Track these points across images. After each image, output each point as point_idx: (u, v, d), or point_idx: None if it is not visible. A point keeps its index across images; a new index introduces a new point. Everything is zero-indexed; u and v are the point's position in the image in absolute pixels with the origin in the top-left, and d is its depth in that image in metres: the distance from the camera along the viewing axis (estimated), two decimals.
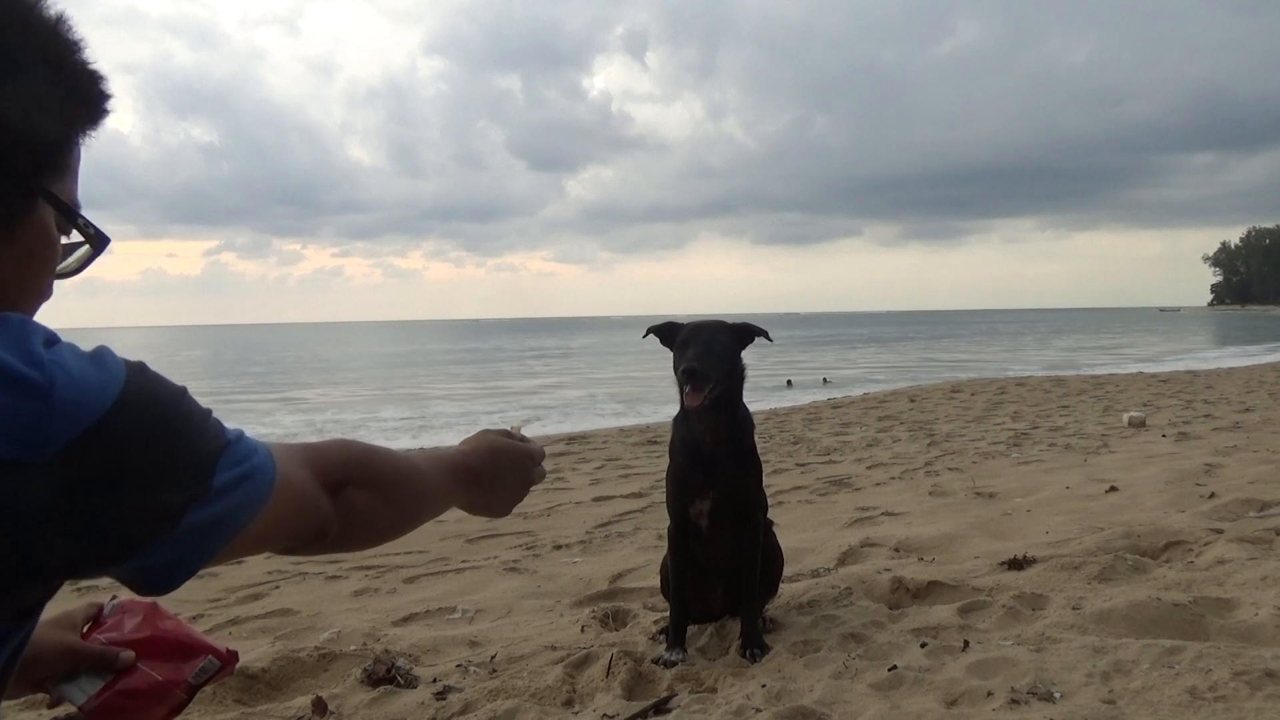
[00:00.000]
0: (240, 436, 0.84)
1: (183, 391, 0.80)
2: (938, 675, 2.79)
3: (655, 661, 3.12)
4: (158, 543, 0.75)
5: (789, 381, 23.51)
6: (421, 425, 16.63)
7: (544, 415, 17.69)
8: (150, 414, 0.75)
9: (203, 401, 0.82)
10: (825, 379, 24.55)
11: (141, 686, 1.15)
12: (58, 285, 0.88)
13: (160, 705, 1.17)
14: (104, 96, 0.85)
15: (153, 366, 0.79)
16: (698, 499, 3.25)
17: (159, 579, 0.79)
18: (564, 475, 9.17)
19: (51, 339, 0.74)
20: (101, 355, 0.75)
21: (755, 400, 18.72)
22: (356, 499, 0.98)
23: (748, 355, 3.32)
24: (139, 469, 0.73)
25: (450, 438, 14.31)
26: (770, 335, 3.37)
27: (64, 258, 0.88)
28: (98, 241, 0.89)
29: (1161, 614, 3.12)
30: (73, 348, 0.74)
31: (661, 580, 3.53)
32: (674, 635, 3.25)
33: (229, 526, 0.81)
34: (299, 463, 0.91)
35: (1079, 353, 37.27)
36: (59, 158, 0.82)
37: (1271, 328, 63.97)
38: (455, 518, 7.13)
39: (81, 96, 0.83)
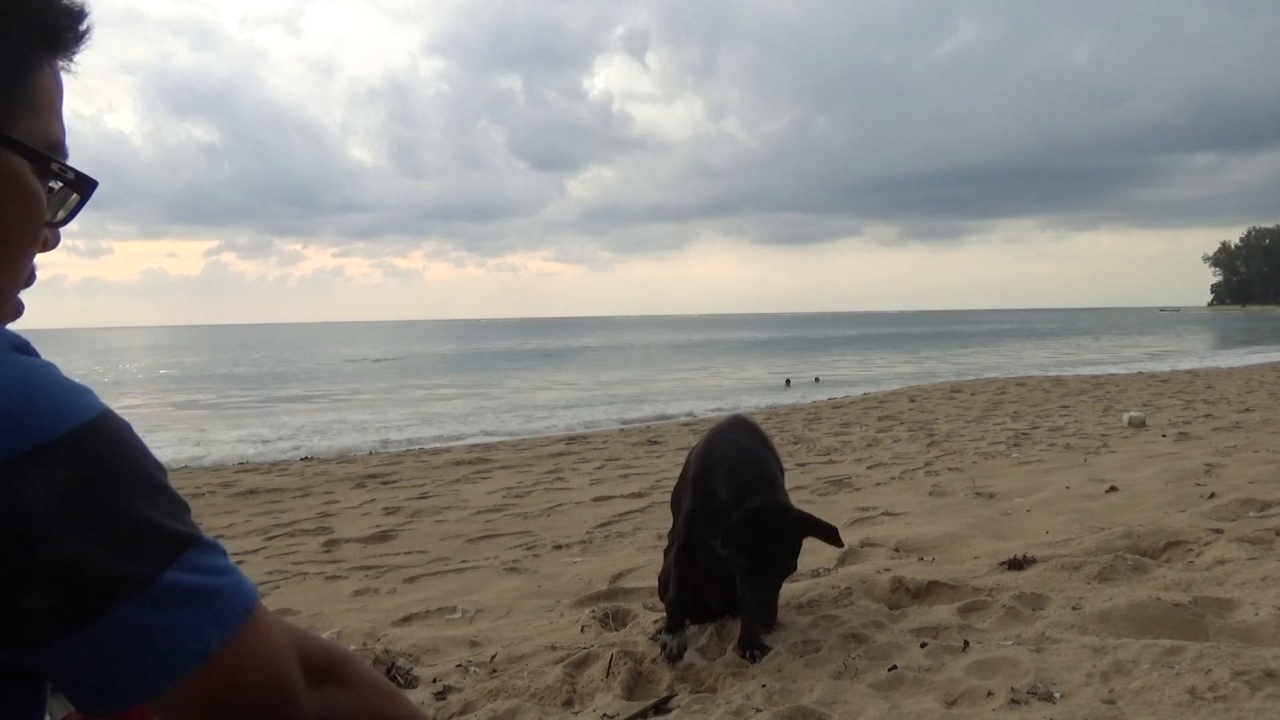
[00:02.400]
0: (219, 547, 0.70)
1: (163, 467, 0.69)
2: (938, 675, 2.79)
3: (653, 639, 3.13)
4: (81, 631, 0.62)
5: (788, 381, 23.88)
6: (423, 426, 16.61)
7: (544, 415, 17.68)
8: (112, 463, 0.64)
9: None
10: (817, 378, 24.93)
11: None
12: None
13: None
14: (68, 13, 0.73)
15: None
16: None
17: (79, 688, 0.65)
18: (564, 475, 9.17)
19: (21, 348, 0.65)
20: (77, 386, 0.66)
21: (756, 400, 18.75)
22: (340, 700, 0.80)
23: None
24: (77, 517, 0.61)
25: (454, 436, 14.30)
26: (841, 540, 3.07)
27: (57, 206, 0.78)
28: (81, 185, 0.78)
29: (1161, 614, 3.12)
30: (47, 368, 0.65)
31: (660, 585, 3.52)
32: (672, 620, 3.23)
33: (172, 653, 0.64)
34: (281, 627, 0.76)
35: (1079, 352, 37.28)
36: (11, 91, 0.71)
37: (1272, 328, 63.97)
38: (455, 517, 7.15)
39: (33, 16, 0.72)
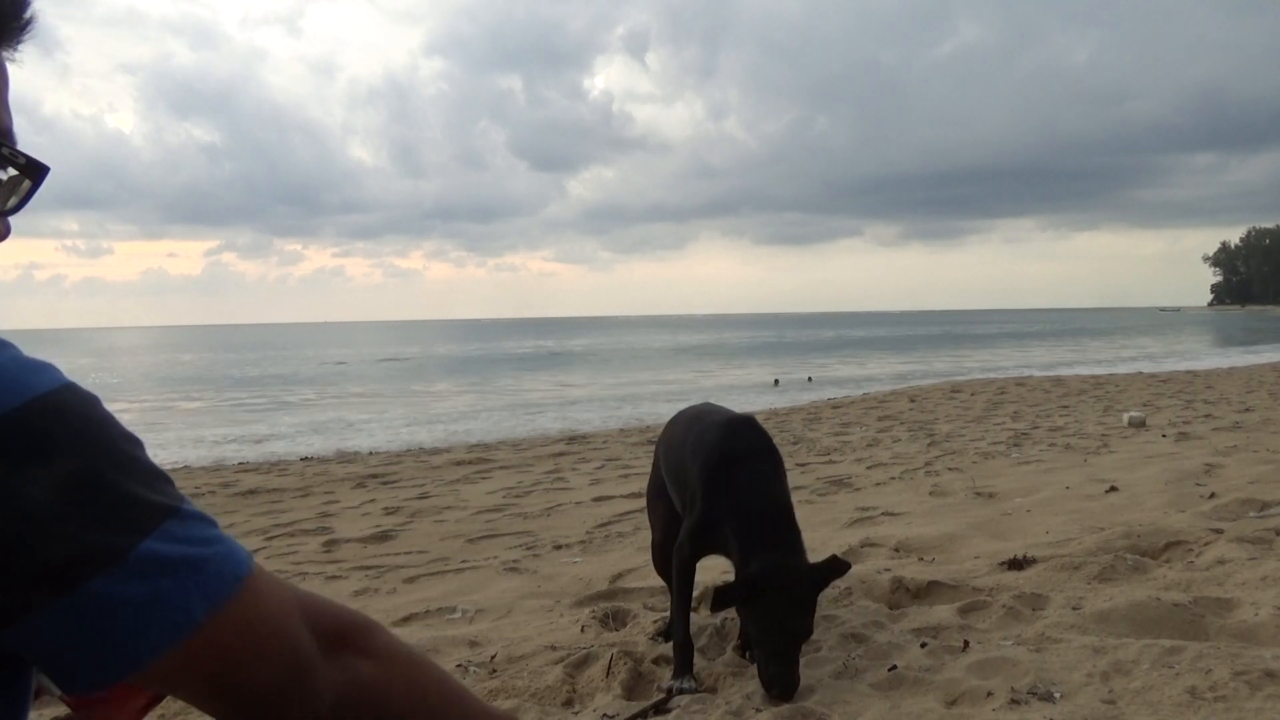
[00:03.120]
0: (206, 518, 0.66)
1: (135, 439, 0.66)
2: (938, 675, 2.79)
3: (668, 690, 2.97)
4: (55, 605, 0.59)
5: (776, 381, 23.99)
6: (423, 425, 16.61)
7: (544, 415, 17.69)
8: (77, 434, 0.62)
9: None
10: (809, 378, 25.00)
11: None
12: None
13: (139, 697, 1.17)
14: (11, 1, 0.70)
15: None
16: None
17: (60, 665, 0.63)
18: (564, 475, 9.17)
19: None
20: (36, 362, 0.63)
21: (754, 401, 18.74)
22: (361, 669, 0.74)
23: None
24: (44, 490, 0.59)
25: (454, 436, 14.30)
26: (849, 566, 3.00)
27: (7, 194, 0.74)
28: (32, 170, 0.73)
29: (1161, 614, 3.12)
30: (3, 346, 0.63)
31: (658, 567, 3.52)
32: (681, 663, 3.03)
33: (154, 626, 0.62)
34: (289, 594, 0.71)
35: (1079, 353, 37.29)
36: None
37: (1272, 328, 63.97)
38: (455, 517, 7.14)
39: None
